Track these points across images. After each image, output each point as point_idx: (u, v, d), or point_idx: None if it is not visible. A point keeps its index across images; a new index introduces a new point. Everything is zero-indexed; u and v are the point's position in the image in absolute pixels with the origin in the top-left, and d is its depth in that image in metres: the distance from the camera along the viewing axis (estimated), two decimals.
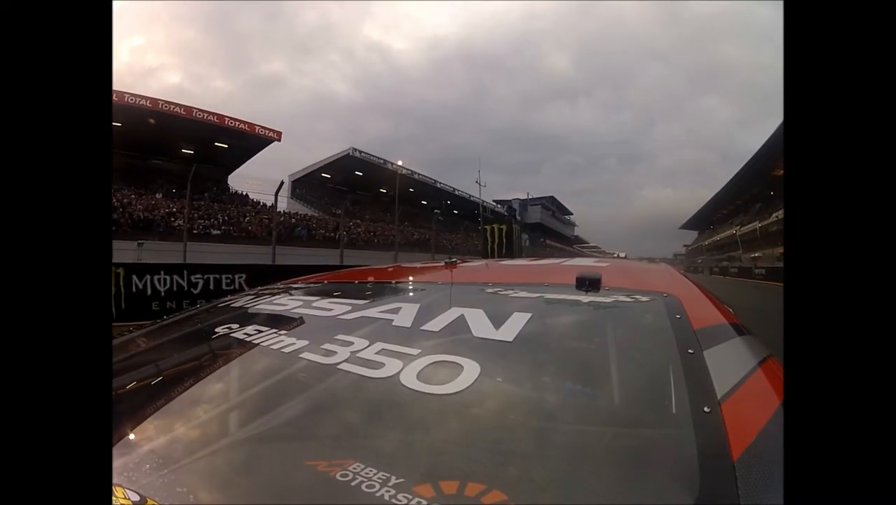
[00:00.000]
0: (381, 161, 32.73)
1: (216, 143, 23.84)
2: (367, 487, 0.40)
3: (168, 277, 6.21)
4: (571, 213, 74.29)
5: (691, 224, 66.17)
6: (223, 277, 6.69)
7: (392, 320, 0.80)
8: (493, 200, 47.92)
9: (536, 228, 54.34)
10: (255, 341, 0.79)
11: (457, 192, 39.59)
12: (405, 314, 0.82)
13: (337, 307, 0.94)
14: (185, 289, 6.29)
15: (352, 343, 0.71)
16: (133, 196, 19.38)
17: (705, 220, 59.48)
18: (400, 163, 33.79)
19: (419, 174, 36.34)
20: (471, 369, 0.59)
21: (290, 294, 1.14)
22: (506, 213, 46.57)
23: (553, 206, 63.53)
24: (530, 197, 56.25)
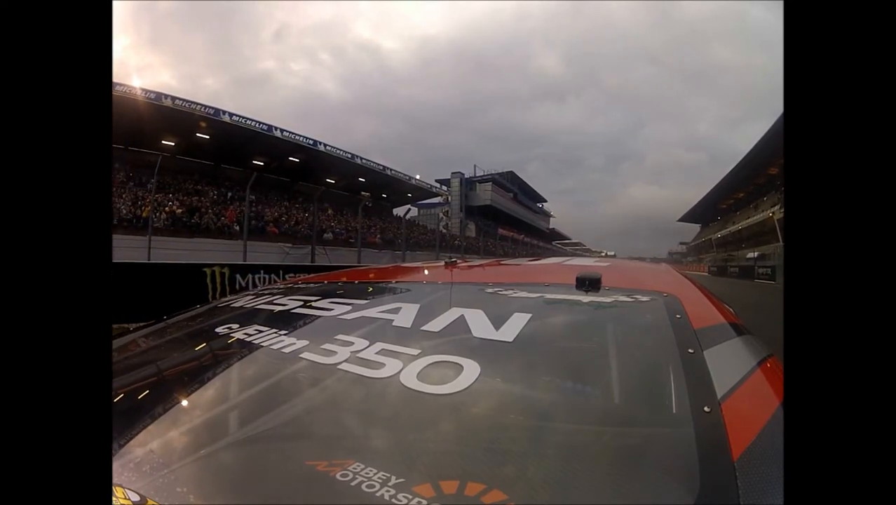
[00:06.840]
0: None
1: None
2: (367, 487, 0.40)
3: None
4: (545, 200, 61.57)
5: (692, 216, 56.69)
6: None
7: (392, 320, 0.80)
8: (436, 181, 36.85)
9: (490, 214, 42.65)
10: (256, 341, 0.79)
11: (388, 172, 27.14)
12: (405, 314, 0.82)
13: (337, 307, 0.94)
14: None
15: (352, 343, 0.71)
16: None
17: (710, 209, 49.42)
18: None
19: (328, 145, 22.48)
20: (471, 369, 0.59)
21: (291, 294, 1.14)
22: (442, 196, 35.56)
23: (514, 185, 47.77)
24: (478, 173, 41.78)
